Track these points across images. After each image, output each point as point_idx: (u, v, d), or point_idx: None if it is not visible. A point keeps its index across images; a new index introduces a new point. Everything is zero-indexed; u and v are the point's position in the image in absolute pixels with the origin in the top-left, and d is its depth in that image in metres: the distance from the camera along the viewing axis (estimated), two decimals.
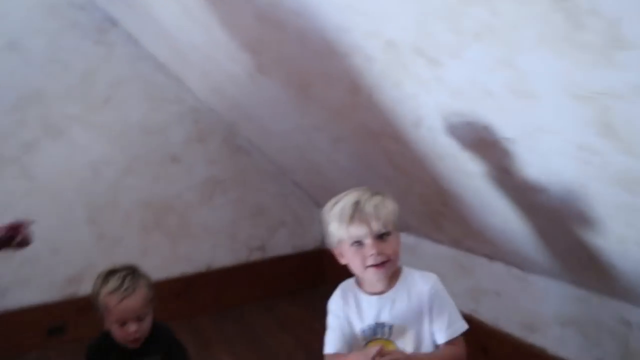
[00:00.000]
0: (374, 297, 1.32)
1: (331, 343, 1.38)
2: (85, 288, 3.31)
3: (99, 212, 3.24)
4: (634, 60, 0.85)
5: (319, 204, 3.78)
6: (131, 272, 1.53)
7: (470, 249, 2.31)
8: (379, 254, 1.23)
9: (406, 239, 2.81)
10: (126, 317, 1.47)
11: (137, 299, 1.49)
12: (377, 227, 1.23)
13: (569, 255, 1.68)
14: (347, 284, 1.40)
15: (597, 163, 1.16)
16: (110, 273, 1.52)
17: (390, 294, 1.32)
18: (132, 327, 1.48)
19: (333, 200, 1.34)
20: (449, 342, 1.30)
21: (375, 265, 1.25)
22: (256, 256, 3.68)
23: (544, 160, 1.33)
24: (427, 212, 2.27)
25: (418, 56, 1.29)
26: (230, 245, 3.62)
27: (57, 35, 3.08)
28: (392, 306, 1.31)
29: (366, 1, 1.24)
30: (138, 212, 3.37)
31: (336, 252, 1.33)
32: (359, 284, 1.37)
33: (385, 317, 1.31)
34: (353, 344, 1.35)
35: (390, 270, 1.31)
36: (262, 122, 2.89)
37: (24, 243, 1.46)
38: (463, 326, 1.31)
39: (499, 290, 2.24)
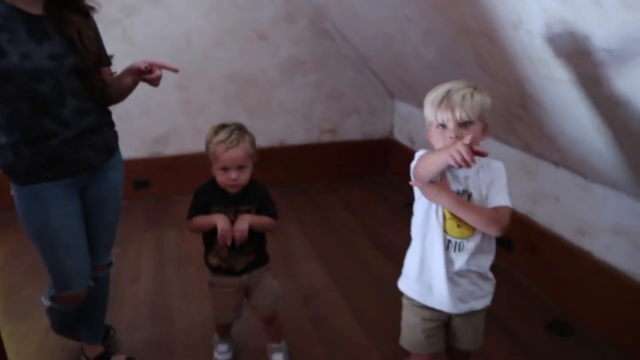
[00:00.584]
0: (460, 170, 1.42)
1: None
2: (170, 148, 3.65)
3: (188, 79, 3.48)
4: None
5: (394, 96, 3.91)
6: (238, 128, 1.70)
7: (539, 155, 2.44)
8: (457, 137, 1.34)
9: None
10: (229, 164, 1.67)
11: (240, 150, 1.67)
12: (459, 114, 1.35)
13: (626, 167, 1.80)
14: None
15: None
16: (221, 126, 1.71)
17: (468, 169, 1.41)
18: (233, 174, 1.67)
19: (433, 88, 1.46)
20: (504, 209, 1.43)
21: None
22: (326, 138, 3.91)
23: (636, 75, 1.42)
24: (504, 114, 2.38)
25: None
26: (303, 125, 3.84)
27: None
28: (470, 178, 1.45)
29: None
30: (222, 83, 3.60)
31: (427, 132, 1.49)
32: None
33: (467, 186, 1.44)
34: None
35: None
36: (353, 8, 2.96)
37: (153, 82, 1.59)
38: (508, 202, 1.44)
39: (558, 195, 2.39)
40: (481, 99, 1.38)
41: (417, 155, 1.44)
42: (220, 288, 1.85)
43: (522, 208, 2.64)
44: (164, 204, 3.59)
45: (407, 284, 1.52)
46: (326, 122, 3.88)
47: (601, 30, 1.39)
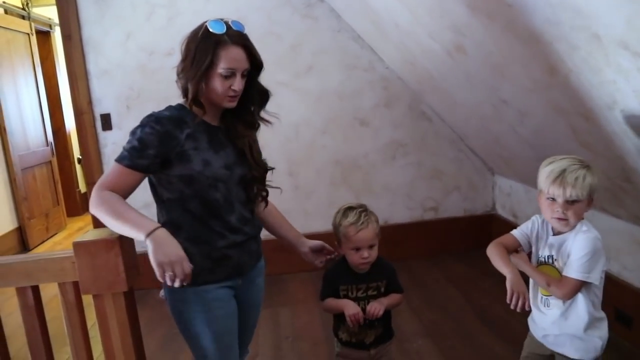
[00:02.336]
0: (555, 237, 1.67)
1: (517, 232, 1.80)
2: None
3: (296, 166, 3.80)
4: None
5: (493, 172, 3.99)
6: (364, 209, 1.80)
7: None
8: (563, 213, 1.56)
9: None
10: (361, 244, 1.75)
11: (370, 230, 1.76)
12: (570, 193, 1.53)
13: None
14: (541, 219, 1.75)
15: None
16: (348, 209, 1.81)
17: (563, 236, 1.64)
18: (365, 253, 1.76)
19: (550, 159, 1.66)
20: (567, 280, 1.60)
21: (559, 219, 1.59)
22: (429, 216, 4.02)
23: None
24: (608, 186, 2.40)
25: (622, 49, 1.49)
26: (406, 204, 4.00)
27: (273, 10, 3.60)
28: (561, 246, 1.64)
29: None
30: (328, 169, 3.88)
31: (537, 197, 1.69)
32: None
33: (556, 251, 1.66)
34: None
35: (567, 226, 1.62)
36: (449, 93, 3.16)
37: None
38: (578, 274, 1.57)
39: None
40: (591, 180, 1.54)
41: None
42: None
43: (638, 281, 2.57)
44: (277, 282, 3.83)
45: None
46: (428, 200, 4.01)
47: None
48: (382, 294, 1.86)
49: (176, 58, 1.54)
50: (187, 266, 1.35)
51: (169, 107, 1.55)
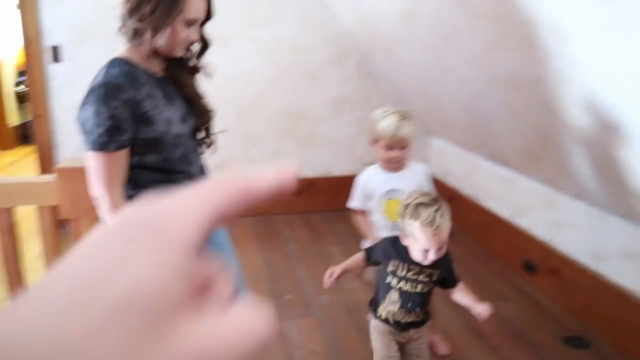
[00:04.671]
0: (394, 174, 2.04)
1: (357, 201, 2.12)
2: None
3: (245, 113, 3.93)
4: None
5: (431, 133, 4.29)
6: (439, 206, 1.61)
7: (560, 188, 2.77)
8: (399, 157, 1.97)
9: (503, 171, 3.30)
10: (432, 247, 1.61)
11: (444, 235, 1.63)
12: (403, 143, 1.95)
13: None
14: (372, 168, 2.13)
15: None
16: (420, 205, 1.61)
17: (402, 173, 2.05)
18: (432, 255, 1.62)
19: (382, 112, 2.02)
20: None
21: (396, 162, 2.00)
22: (360, 167, 4.28)
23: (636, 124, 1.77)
24: (529, 151, 2.73)
25: (549, 32, 1.75)
26: (347, 157, 4.24)
27: None
28: (403, 179, 2.02)
29: None
30: (276, 118, 4.03)
31: (371, 142, 2.05)
32: (381, 166, 2.08)
33: (399, 185, 2.01)
34: (372, 203, 2.07)
35: (403, 164, 2.04)
36: (398, 54, 3.37)
37: None
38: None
39: (576, 224, 2.71)
40: (414, 130, 2.00)
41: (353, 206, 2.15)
42: (384, 335, 1.85)
43: (545, 235, 2.96)
44: None
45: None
46: (367, 155, 4.26)
47: (608, 85, 1.75)
48: (433, 282, 1.76)
49: None
50: None
51: (114, 64, 1.39)
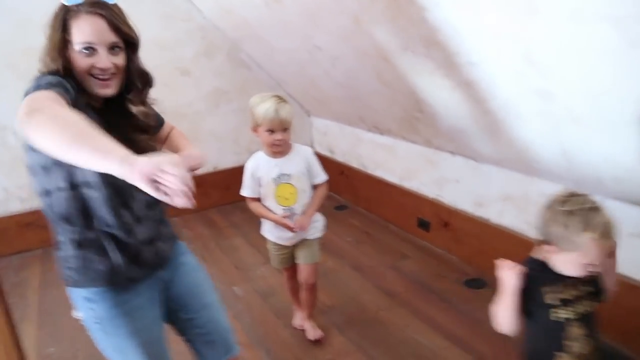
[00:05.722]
0: (279, 159, 2.08)
1: (249, 189, 2.13)
2: None
3: None
4: None
5: (310, 113, 4.37)
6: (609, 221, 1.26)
7: (438, 147, 2.97)
8: (282, 139, 2.00)
9: (386, 140, 3.46)
10: (598, 261, 1.28)
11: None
12: (284, 125, 1.99)
13: (509, 146, 2.35)
14: (258, 154, 2.14)
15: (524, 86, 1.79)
16: (591, 210, 1.26)
17: (288, 157, 2.10)
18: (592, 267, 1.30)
19: (258, 98, 2.04)
20: (320, 184, 2.17)
21: (278, 145, 2.02)
22: None
23: (495, 78, 1.94)
24: (405, 118, 2.90)
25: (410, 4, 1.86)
26: (233, 149, 4.21)
27: None
28: (289, 163, 2.08)
29: None
30: None
31: (253, 128, 2.06)
32: (266, 152, 2.11)
33: (285, 170, 2.07)
34: (263, 189, 2.11)
35: (287, 147, 2.10)
36: (266, 41, 3.39)
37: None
38: (325, 176, 2.17)
39: (458, 178, 2.93)
40: (292, 112, 2.03)
41: (245, 194, 2.15)
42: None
43: (432, 193, 3.17)
44: None
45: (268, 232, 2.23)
46: (253, 143, 4.26)
47: (469, 47, 1.90)
48: (597, 289, 1.40)
49: None
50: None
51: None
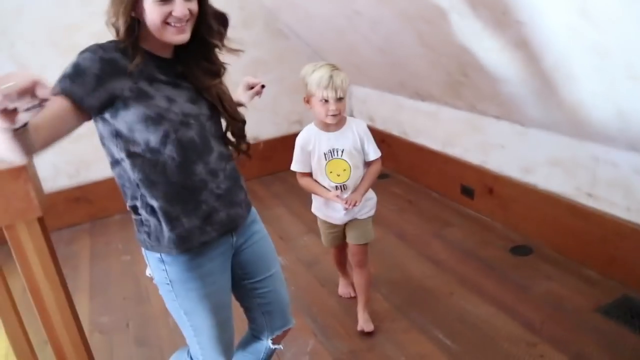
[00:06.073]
0: (331, 133, 1.99)
1: (299, 164, 2.04)
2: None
3: None
4: None
5: (350, 82, 4.31)
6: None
7: (482, 112, 2.89)
8: (337, 109, 1.89)
9: (427, 106, 3.39)
10: None
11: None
12: (340, 94, 1.87)
13: (558, 109, 2.26)
14: (310, 127, 2.04)
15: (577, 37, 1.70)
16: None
17: (341, 131, 2.00)
18: None
19: (311, 67, 1.94)
20: (373, 161, 2.05)
21: (333, 115, 1.90)
22: (295, 128, 4.28)
23: (546, 36, 1.86)
24: (449, 82, 2.82)
25: None
26: (272, 120, 4.21)
27: None
28: (342, 138, 1.99)
29: None
30: None
31: (306, 99, 1.97)
32: (318, 125, 2.01)
33: (338, 145, 1.98)
34: (314, 164, 2.02)
35: (342, 118, 1.99)
36: (304, 7, 3.34)
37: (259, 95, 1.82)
38: (379, 152, 2.05)
39: (503, 143, 2.85)
40: (348, 80, 1.92)
41: (296, 169, 2.05)
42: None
43: (476, 159, 3.10)
44: None
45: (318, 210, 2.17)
46: (292, 114, 4.26)
47: (517, 5, 1.82)
48: None
49: None
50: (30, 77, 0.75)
51: (112, 40, 1.22)
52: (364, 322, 2.23)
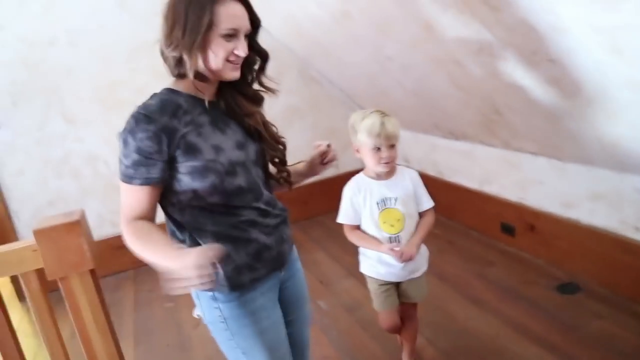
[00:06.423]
0: (382, 182, 1.91)
1: (347, 216, 1.94)
2: None
3: None
4: None
5: None
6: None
7: (518, 149, 2.88)
8: (389, 157, 1.82)
9: (462, 145, 3.40)
10: None
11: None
12: (392, 141, 1.82)
13: (597, 143, 2.24)
14: (359, 177, 1.96)
15: (614, 72, 1.71)
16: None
17: (393, 179, 1.92)
18: None
19: (360, 114, 1.89)
20: (427, 211, 1.96)
21: (386, 163, 1.83)
22: (330, 173, 4.31)
23: (580, 73, 1.87)
24: (482, 121, 2.83)
25: (482, 4, 1.83)
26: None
27: None
28: (394, 186, 1.90)
29: None
30: None
31: (355, 147, 1.90)
32: (368, 174, 1.93)
33: (390, 194, 1.89)
34: (365, 215, 1.92)
35: (394, 166, 1.91)
36: (337, 55, 3.43)
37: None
38: (432, 202, 1.96)
39: (541, 179, 2.82)
40: (399, 126, 1.85)
41: (343, 222, 1.95)
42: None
43: (514, 196, 3.07)
44: None
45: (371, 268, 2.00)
46: None
47: (546, 44, 1.85)
48: None
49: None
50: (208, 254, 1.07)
51: (155, 94, 1.28)
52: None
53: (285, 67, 4.02)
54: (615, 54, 1.62)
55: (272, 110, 4.37)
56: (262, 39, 1.40)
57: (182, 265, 1.04)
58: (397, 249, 1.85)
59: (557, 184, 2.74)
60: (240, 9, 1.23)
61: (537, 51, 1.90)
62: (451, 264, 3.14)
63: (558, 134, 2.40)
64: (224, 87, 1.34)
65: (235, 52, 1.22)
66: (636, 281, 2.39)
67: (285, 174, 1.50)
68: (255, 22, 1.30)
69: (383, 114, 1.85)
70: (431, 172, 3.90)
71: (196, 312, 1.46)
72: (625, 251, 2.42)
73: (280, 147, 1.49)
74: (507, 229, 3.14)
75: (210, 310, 1.36)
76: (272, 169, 1.49)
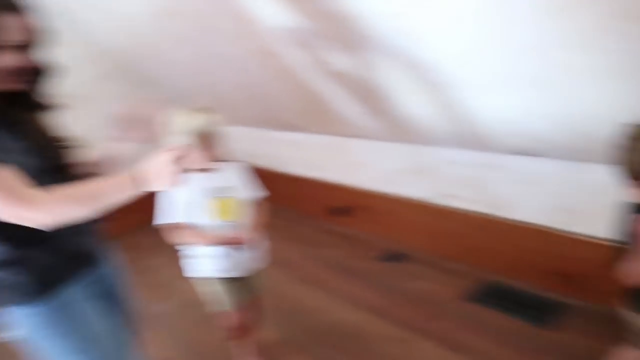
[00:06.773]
0: (209, 174, 1.83)
1: (178, 214, 1.80)
2: None
3: None
4: None
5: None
6: None
7: (342, 133, 3.08)
8: (209, 154, 1.76)
9: (293, 136, 3.55)
10: None
11: None
12: (212, 138, 1.76)
13: (409, 121, 2.48)
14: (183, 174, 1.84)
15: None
16: None
17: (219, 172, 1.86)
18: None
19: (179, 113, 1.83)
20: (258, 199, 1.94)
21: (208, 160, 1.77)
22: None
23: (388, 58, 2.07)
24: (307, 110, 2.97)
25: None
26: None
27: None
28: (221, 177, 1.87)
29: None
30: None
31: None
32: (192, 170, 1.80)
33: (218, 184, 1.84)
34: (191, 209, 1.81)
35: (218, 160, 1.85)
36: (162, 55, 3.37)
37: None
38: (263, 192, 1.95)
39: (365, 161, 3.08)
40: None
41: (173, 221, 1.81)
42: None
43: (343, 179, 3.30)
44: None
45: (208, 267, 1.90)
46: None
47: (359, 31, 2.01)
48: None
49: None
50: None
51: None
52: None
53: (114, 70, 3.87)
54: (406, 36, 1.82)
55: (99, 117, 4.04)
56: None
57: (158, 166, 1.21)
58: (232, 235, 1.78)
59: (381, 162, 2.99)
60: (13, 22, 1.18)
61: (351, 38, 2.03)
62: (287, 251, 3.21)
63: (376, 116, 2.60)
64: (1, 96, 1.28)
65: (5, 64, 1.18)
66: (450, 242, 2.72)
67: (80, 172, 1.41)
68: (32, 35, 1.24)
69: (201, 110, 1.81)
70: (264, 164, 3.98)
71: (3, 335, 1.33)
72: (441, 217, 2.72)
73: (55, 154, 1.36)
74: (338, 211, 3.36)
75: (27, 325, 1.30)
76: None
